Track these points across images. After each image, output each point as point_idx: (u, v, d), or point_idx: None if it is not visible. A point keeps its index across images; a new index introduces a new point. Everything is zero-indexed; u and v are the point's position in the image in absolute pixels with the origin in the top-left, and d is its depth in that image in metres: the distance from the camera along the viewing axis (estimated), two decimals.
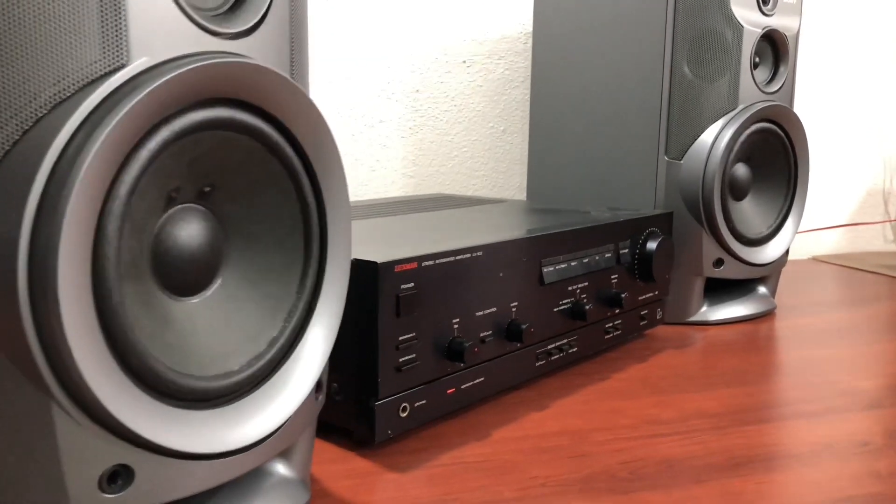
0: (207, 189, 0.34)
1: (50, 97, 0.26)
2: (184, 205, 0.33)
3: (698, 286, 0.79)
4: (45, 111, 0.26)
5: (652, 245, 0.69)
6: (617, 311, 0.66)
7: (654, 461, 0.47)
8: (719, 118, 0.76)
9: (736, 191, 0.80)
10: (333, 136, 0.37)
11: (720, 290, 0.84)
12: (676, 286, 0.79)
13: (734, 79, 0.75)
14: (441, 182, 1.01)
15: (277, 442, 0.36)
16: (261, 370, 0.35)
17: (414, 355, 0.47)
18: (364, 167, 0.97)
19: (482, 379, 0.53)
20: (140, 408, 0.29)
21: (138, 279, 0.30)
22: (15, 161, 0.26)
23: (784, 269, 1.08)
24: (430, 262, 0.48)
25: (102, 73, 0.27)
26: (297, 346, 0.37)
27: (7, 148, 0.26)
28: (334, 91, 0.94)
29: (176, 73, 0.28)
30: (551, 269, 0.58)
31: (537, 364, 0.59)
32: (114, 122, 0.26)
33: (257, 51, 0.33)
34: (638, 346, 0.71)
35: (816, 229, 1.22)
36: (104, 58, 0.27)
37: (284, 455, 0.40)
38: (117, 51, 0.27)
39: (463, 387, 0.52)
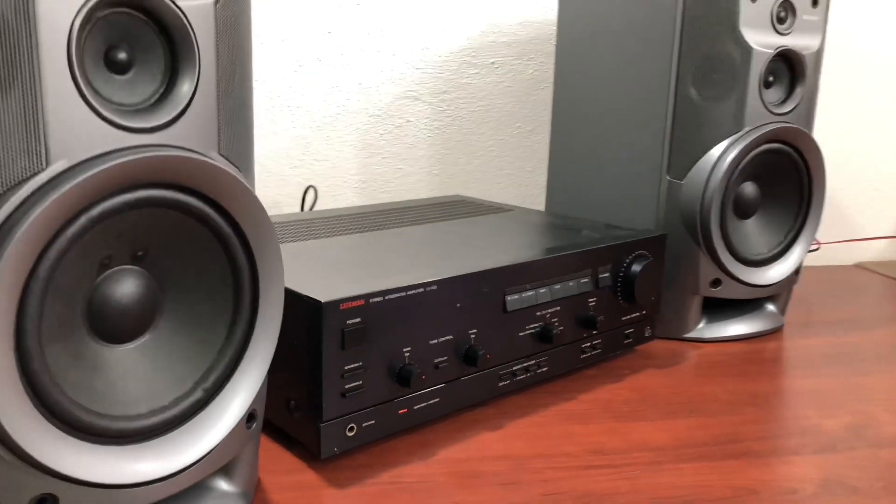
0: (140, 253, 0.39)
1: None
2: (117, 268, 0.38)
3: (696, 304, 0.80)
4: None
5: (636, 268, 0.70)
6: (593, 332, 0.69)
7: (575, 495, 0.50)
8: (723, 140, 0.75)
9: (741, 209, 0.80)
10: (260, 202, 0.41)
11: (726, 305, 0.84)
12: (673, 302, 0.80)
13: (741, 100, 0.75)
14: (466, 181, 1.04)
15: (206, 467, 0.42)
16: (188, 408, 0.40)
17: (360, 382, 0.52)
18: (390, 166, 1.01)
19: (437, 400, 0.58)
20: (60, 447, 0.35)
21: (68, 337, 0.36)
22: None
23: (821, 277, 1.06)
24: (379, 299, 0.52)
25: (24, 177, 0.32)
26: (224, 386, 0.42)
27: None
28: (364, 92, 0.98)
29: (83, 176, 0.33)
30: (515, 297, 0.61)
31: (500, 384, 0.62)
32: (27, 223, 0.31)
33: (178, 139, 0.37)
34: (621, 363, 0.74)
35: (857, 239, 1.18)
36: (27, 163, 0.32)
37: (226, 471, 0.46)
38: (38, 156, 0.33)
39: (416, 407, 0.56)
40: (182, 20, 0.37)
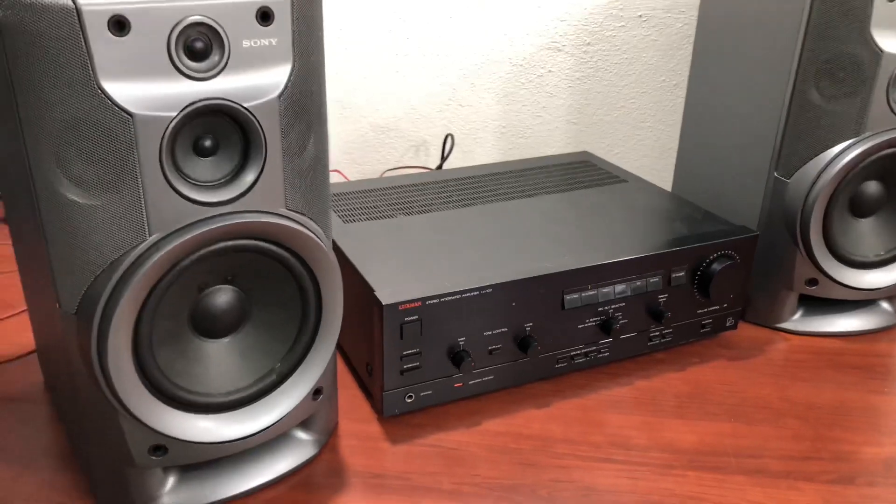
0: (230, 278, 0.52)
1: (104, 262, 0.46)
2: (214, 287, 0.52)
3: (792, 296, 0.81)
4: (101, 270, 0.46)
5: (715, 268, 0.73)
6: (660, 324, 0.74)
7: (579, 486, 0.59)
8: (839, 143, 0.73)
9: (860, 208, 0.77)
10: (318, 242, 0.52)
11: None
12: (768, 292, 0.81)
13: (864, 104, 0.71)
14: (604, 132, 1.07)
15: (279, 428, 0.56)
16: (264, 388, 0.55)
17: (417, 363, 0.64)
18: (529, 114, 1.06)
19: (491, 377, 0.68)
20: (165, 416, 0.50)
21: (176, 341, 0.51)
22: (93, 293, 0.47)
23: None
24: (435, 301, 0.62)
25: (131, 246, 0.46)
26: (293, 374, 0.55)
27: (87, 286, 0.47)
28: (509, 42, 1.02)
29: (169, 246, 0.46)
30: (575, 296, 0.68)
31: (556, 366, 0.71)
32: (134, 281, 0.45)
33: (251, 204, 0.49)
34: (696, 347, 0.78)
35: None
36: (132, 237, 0.46)
37: (304, 424, 0.61)
38: (139, 232, 0.46)
39: (471, 382, 0.67)
40: (249, 116, 0.47)
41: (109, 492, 0.55)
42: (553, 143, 1.08)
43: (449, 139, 1.06)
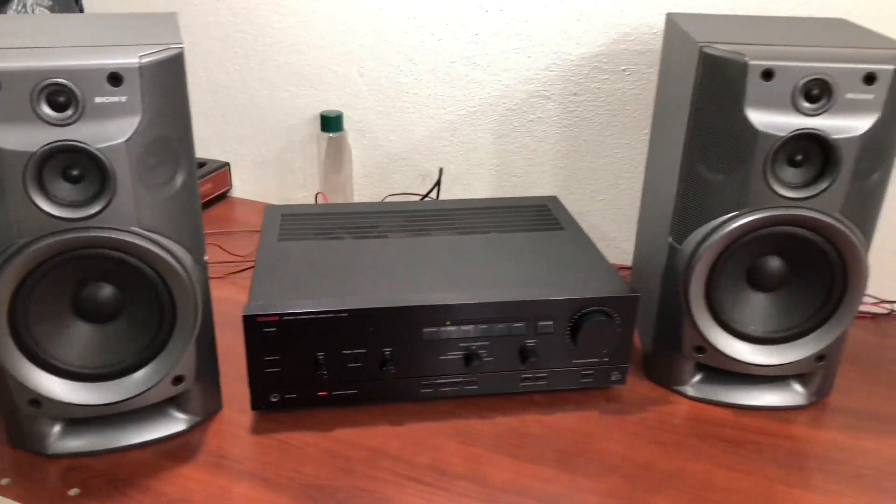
0: (104, 276, 0.66)
1: None
2: (95, 282, 0.66)
3: (689, 363, 0.81)
4: None
5: (586, 322, 0.77)
6: (529, 367, 0.78)
7: (373, 498, 0.67)
8: (723, 215, 0.73)
9: (758, 281, 0.77)
10: (162, 256, 0.65)
11: None
12: (666, 353, 0.82)
13: (744, 181, 0.71)
14: (589, 178, 1.10)
15: (137, 401, 0.70)
16: (125, 368, 0.68)
17: (279, 368, 0.74)
18: (521, 155, 1.12)
19: (355, 391, 0.77)
20: (40, 379, 0.66)
21: (56, 318, 0.66)
22: None
23: None
24: (292, 318, 0.72)
25: (3, 247, 0.61)
26: (149, 363, 0.69)
27: None
28: (503, 88, 1.09)
29: (34, 247, 0.60)
30: (433, 330, 0.75)
31: (423, 391, 0.78)
32: (5, 272, 0.61)
33: (104, 221, 0.63)
34: (577, 397, 0.81)
35: None
36: (7, 239, 0.61)
37: (178, 405, 0.74)
38: (10, 236, 0.61)
39: (334, 393, 0.77)
40: (98, 155, 0.61)
41: (13, 432, 0.72)
42: (542, 184, 1.13)
43: (443, 171, 1.15)
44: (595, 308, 0.77)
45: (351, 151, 1.21)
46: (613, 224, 1.12)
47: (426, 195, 1.15)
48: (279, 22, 1.18)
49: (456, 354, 0.77)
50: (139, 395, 0.69)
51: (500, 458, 0.73)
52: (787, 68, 0.67)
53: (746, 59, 0.68)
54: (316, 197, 1.15)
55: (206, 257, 0.72)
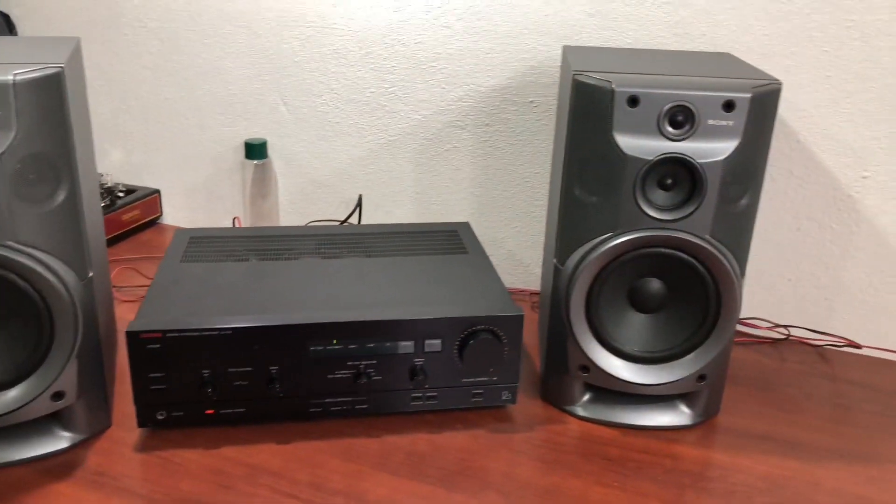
0: None
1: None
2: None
3: (577, 382, 0.83)
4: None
5: (471, 341, 0.78)
6: (420, 387, 0.79)
7: None
8: (598, 236, 0.76)
9: (640, 302, 0.79)
10: (53, 282, 0.66)
11: None
12: (557, 375, 0.83)
13: (616, 203, 0.74)
14: (504, 206, 1.13)
15: (13, 417, 0.70)
16: (3, 383, 0.69)
17: (164, 385, 0.75)
18: (439, 184, 1.14)
19: (243, 409, 0.78)
20: None
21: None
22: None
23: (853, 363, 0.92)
24: (176, 334, 0.73)
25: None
26: (26, 378, 0.69)
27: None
28: (421, 118, 1.12)
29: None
30: (320, 348, 0.76)
31: (311, 410, 0.79)
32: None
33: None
34: (468, 416, 0.82)
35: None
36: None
37: (61, 422, 0.74)
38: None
39: (222, 411, 0.77)
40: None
41: None
42: (461, 210, 1.15)
43: (362, 198, 1.17)
44: (481, 327, 0.79)
45: (276, 179, 1.23)
46: (527, 250, 1.14)
47: (345, 220, 1.17)
48: (207, 52, 1.20)
49: (344, 373, 0.78)
50: (14, 411, 0.69)
51: (381, 475, 0.73)
52: (651, 95, 0.71)
53: (613, 85, 0.71)
54: (234, 221, 1.17)
55: (90, 273, 0.73)
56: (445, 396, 0.81)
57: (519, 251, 1.15)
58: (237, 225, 1.15)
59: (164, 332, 0.74)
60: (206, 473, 0.72)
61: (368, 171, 1.18)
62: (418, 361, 0.79)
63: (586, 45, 1.00)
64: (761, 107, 0.71)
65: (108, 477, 0.72)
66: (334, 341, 0.77)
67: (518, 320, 0.79)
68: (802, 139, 0.94)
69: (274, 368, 0.77)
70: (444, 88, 1.10)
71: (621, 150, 0.72)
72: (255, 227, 1.02)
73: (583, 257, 0.76)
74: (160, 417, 0.77)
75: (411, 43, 1.09)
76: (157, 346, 0.74)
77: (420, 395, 0.81)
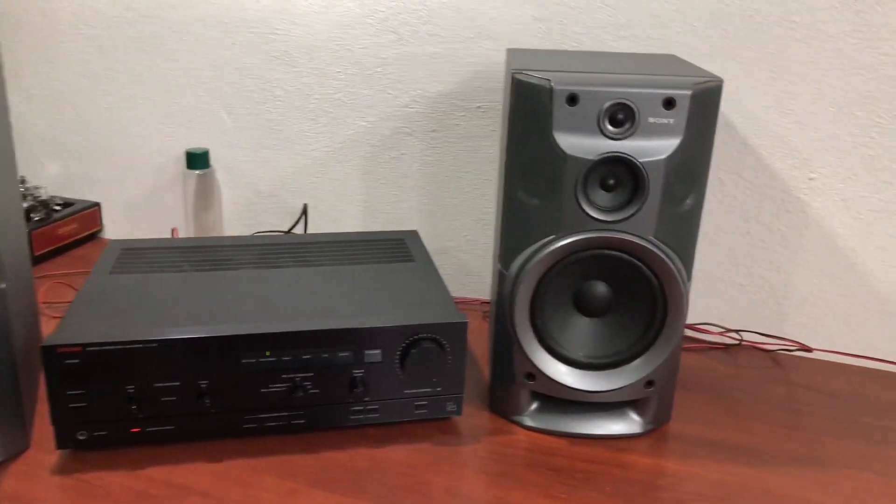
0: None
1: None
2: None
3: (525, 391, 0.80)
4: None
5: (412, 350, 0.75)
6: (358, 398, 0.76)
7: None
8: (541, 239, 0.73)
9: (586, 306, 0.76)
10: None
11: None
12: (504, 384, 0.81)
13: (558, 204, 0.71)
14: (454, 214, 1.10)
15: None
16: None
17: (85, 403, 0.71)
18: (387, 192, 1.12)
19: (172, 427, 0.74)
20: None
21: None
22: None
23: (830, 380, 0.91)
24: (96, 348, 0.69)
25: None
26: None
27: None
28: (368, 124, 1.09)
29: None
30: (252, 360, 0.73)
31: (245, 426, 0.75)
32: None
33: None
34: (413, 430, 0.79)
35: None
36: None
37: None
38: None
39: (148, 429, 0.73)
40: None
41: None
42: (410, 219, 1.13)
43: (307, 207, 1.14)
44: (424, 335, 0.76)
45: (220, 189, 1.20)
46: (478, 259, 1.12)
47: (290, 230, 1.14)
48: (146, 60, 1.17)
49: (279, 387, 0.75)
50: None
51: (316, 492, 0.70)
52: (591, 93, 0.69)
53: (552, 84, 0.69)
54: (172, 232, 1.13)
55: (3, 285, 0.68)
56: (387, 409, 0.78)
57: (470, 261, 1.12)
58: (175, 236, 1.11)
59: (84, 346, 0.69)
60: (129, 497, 0.68)
61: (315, 179, 1.15)
62: (357, 373, 0.76)
63: (532, 48, 0.99)
64: (702, 104, 0.70)
65: (22, 503, 0.67)
66: (267, 353, 0.73)
67: (461, 328, 0.77)
68: (750, 142, 0.94)
69: (204, 383, 0.73)
70: (390, 94, 1.07)
71: (562, 150, 0.70)
72: (193, 238, 0.98)
73: (526, 261, 0.74)
74: (81, 438, 0.72)
75: (356, 48, 1.07)
76: (77, 361, 0.70)
77: (360, 408, 0.77)
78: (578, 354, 0.77)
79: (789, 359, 0.97)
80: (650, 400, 0.80)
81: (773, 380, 0.93)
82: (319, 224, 1.17)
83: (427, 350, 0.76)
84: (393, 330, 0.75)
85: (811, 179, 0.93)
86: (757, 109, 0.92)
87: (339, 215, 1.16)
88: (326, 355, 0.75)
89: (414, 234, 1.02)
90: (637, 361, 0.76)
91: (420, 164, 1.10)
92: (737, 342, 1.00)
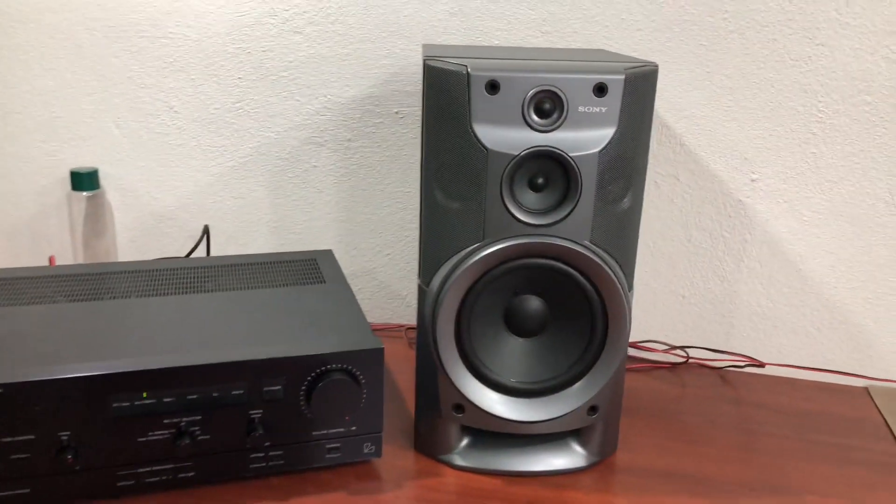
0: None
1: None
2: None
3: (453, 427, 0.70)
4: None
5: (320, 383, 0.65)
6: (259, 445, 0.65)
7: None
8: (464, 248, 0.64)
9: (519, 325, 0.67)
10: None
11: None
12: (430, 420, 0.71)
13: (480, 207, 0.63)
14: (374, 230, 1.00)
15: None
16: None
17: None
18: (299, 209, 1.01)
19: (27, 490, 0.61)
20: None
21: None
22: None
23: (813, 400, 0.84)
24: None
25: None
26: None
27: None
28: (275, 136, 0.99)
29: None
30: (126, 404, 0.61)
31: (119, 484, 0.63)
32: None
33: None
34: (324, 477, 0.68)
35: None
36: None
37: None
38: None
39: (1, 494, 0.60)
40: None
41: None
42: (325, 239, 1.02)
43: (209, 230, 1.02)
44: (333, 366, 0.66)
45: (112, 213, 1.07)
46: (402, 281, 1.02)
47: (189, 254, 1.02)
48: (23, 70, 1.04)
49: (161, 434, 0.63)
50: None
51: None
52: (513, 80, 0.60)
53: (469, 69, 0.61)
54: (49, 260, 0.99)
55: None
56: (293, 454, 0.67)
57: (393, 281, 1.03)
58: (52, 264, 0.98)
59: None
60: None
61: (218, 198, 1.03)
62: (255, 413, 0.65)
63: (451, 45, 0.91)
64: (637, 90, 0.62)
65: None
66: (144, 394, 0.62)
67: (377, 355, 0.66)
68: (686, 142, 0.87)
69: (65, 434, 0.60)
70: (298, 101, 0.98)
71: (483, 145, 0.61)
72: (72, 266, 0.86)
73: (448, 274, 0.64)
74: None
75: (258, 51, 0.97)
76: None
77: (261, 454, 0.66)
78: (511, 380, 0.67)
79: (738, 376, 0.90)
80: (594, 428, 0.71)
81: (723, 399, 0.86)
82: (224, 248, 1.05)
83: (337, 383, 0.65)
84: (296, 361, 0.65)
85: (753, 181, 0.87)
86: (692, 106, 0.86)
87: (245, 238, 1.04)
88: (216, 394, 0.63)
89: (328, 254, 0.92)
90: (578, 385, 0.68)
91: (334, 178, 1.00)
92: (683, 359, 0.92)
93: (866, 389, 0.88)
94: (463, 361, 0.67)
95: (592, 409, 0.69)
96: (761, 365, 0.88)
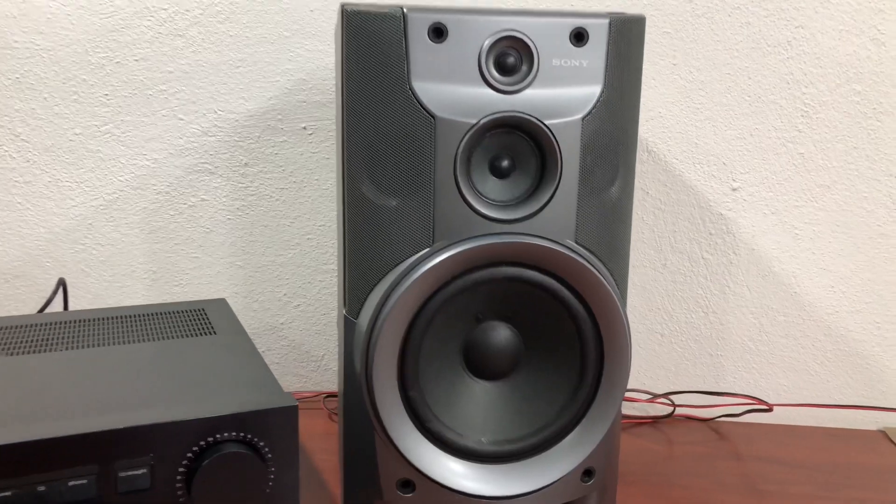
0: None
1: None
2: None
3: None
4: None
5: (205, 461, 0.45)
6: None
7: None
8: (407, 259, 0.47)
9: (482, 366, 0.50)
10: None
11: None
12: (366, 501, 0.51)
13: (426, 200, 0.46)
14: (279, 276, 0.82)
15: None
16: None
17: None
18: (184, 254, 0.82)
19: None
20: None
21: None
22: None
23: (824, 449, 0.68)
24: None
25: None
26: None
27: None
28: (151, 164, 0.80)
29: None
30: None
31: None
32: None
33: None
34: None
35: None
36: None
37: None
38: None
39: None
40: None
41: None
42: (218, 289, 0.83)
43: (65, 283, 0.81)
44: (224, 435, 0.46)
45: None
46: (316, 338, 0.83)
47: (42, 310, 0.79)
48: None
49: None
50: None
51: None
52: (465, 23, 0.45)
53: (405, 11, 0.45)
54: None
55: None
56: None
57: (305, 339, 0.83)
58: None
59: None
60: None
61: (79, 248, 0.82)
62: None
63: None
64: (624, 40, 0.48)
65: None
66: None
67: (288, 416, 0.47)
68: (655, 148, 0.74)
69: None
70: (181, 120, 0.79)
71: (427, 110, 0.45)
72: None
73: (384, 298, 0.47)
74: None
75: (129, 61, 0.79)
76: None
77: None
78: (480, 439, 0.49)
79: (733, 427, 0.75)
80: (588, 501, 0.53)
81: (722, 455, 0.70)
82: (86, 307, 0.84)
83: (231, 458, 0.45)
84: (170, 429, 0.44)
85: (734, 190, 0.74)
86: (659, 105, 0.73)
87: (116, 295, 0.83)
88: (43, 488, 0.42)
89: (220, 303, 0.72)
90: (567, 440, 0.50)
91: (228, 212, 0.81)
92: (669, 412, 0.76)
93: (884, 433, 0.74)
94: (411, 419, 0.48)
95: (587, 472, 0.51)
96: (769, 408, 0.73)
